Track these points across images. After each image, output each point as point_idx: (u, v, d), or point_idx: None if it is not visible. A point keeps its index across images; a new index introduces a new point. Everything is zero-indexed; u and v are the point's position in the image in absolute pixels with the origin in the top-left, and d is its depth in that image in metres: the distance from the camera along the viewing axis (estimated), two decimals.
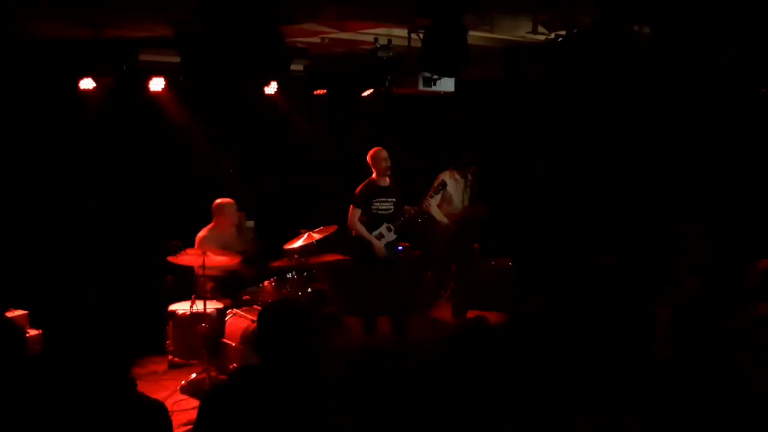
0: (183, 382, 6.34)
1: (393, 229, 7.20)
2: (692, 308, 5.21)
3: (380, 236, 7.13)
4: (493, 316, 7.97)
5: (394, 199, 7.22)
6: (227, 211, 7.02)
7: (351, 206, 7.11)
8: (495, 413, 3.35)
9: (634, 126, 7.73)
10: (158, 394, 5.98)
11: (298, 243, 7.22)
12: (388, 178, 7.18)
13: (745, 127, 7.17)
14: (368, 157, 7.17)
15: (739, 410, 4.44)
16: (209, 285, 6.74)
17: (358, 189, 7.13)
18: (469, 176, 8.70)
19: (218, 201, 7.05)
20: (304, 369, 2.92)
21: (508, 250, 8.86)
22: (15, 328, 3.38)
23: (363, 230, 7.10)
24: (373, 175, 7.17)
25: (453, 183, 8.59)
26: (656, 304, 5.66)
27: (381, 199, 7.14)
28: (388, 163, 7.11)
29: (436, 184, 8.30)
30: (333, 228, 7.38)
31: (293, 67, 7.29)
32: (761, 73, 6.56)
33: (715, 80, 6.87)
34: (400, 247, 7.72)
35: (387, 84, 7.64)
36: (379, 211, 7.13)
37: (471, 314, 8.39)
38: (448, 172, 8.62)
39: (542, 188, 8.76)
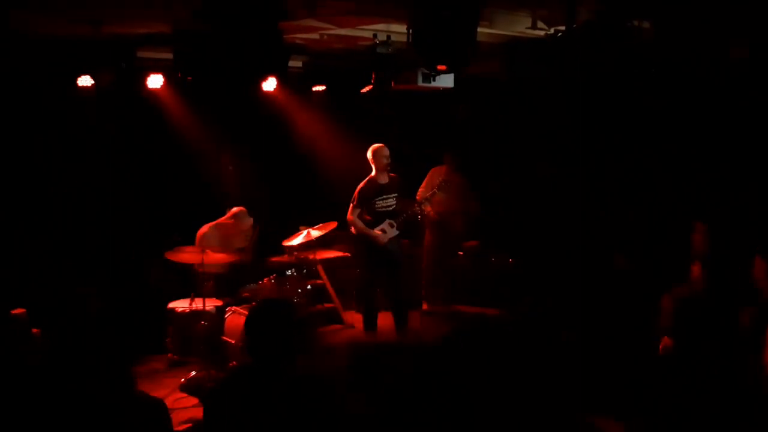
0: (183, 379, 6.34)
1: (395, 225, 7.19)
2: (697, 302, 5.21)
3: (383, 232, 7.12)
4: (492, 313, 8.05)
5: (395, 195, 7.22)
6: (247, 222, 7.06)
7: (351, 205, 7.10)
8: (498, 411, 3.34)
9: (637, 125, 7.71)
10: (158, 392, 5.97)
11: (298, 240, 7.22)
12: (387, 175, 7.17)
13: (750, 124, 7.15)
14: (369, 153, 7.15)
15: (744, 404, 4.44)
16: (208, 282, 6.73)
17: (359, 188, 7.10)
18: (444, 171, 8.69)
19: (242, 209, 7.06)
20: (295, 366, 2.92)
21: (509, 248, 8.87)
22: (19, 325, 3.39)
23: (361, 225, 7.10)
24: (373, 173, 7.15)
25: (439, 177, 8.63)
26: (661, 298, 5.65)
27: (383, 197, 7.13)
28: (389, 161, 7.11)
29: (439, 181, 8.27)
30: (332, 225, 7.37)
31: (292, 63, 7.27)
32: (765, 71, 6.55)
33: (719, 78, 6.85)
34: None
35: (386, 80, 7.62)
36: (382, 209, 7.14)
37: (471, 311, 8.42)
38: (440, 168, 8.65)
39: (542, 186, 8.75)
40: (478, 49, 6.23)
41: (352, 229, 7.29)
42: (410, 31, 6.07)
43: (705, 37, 5.89)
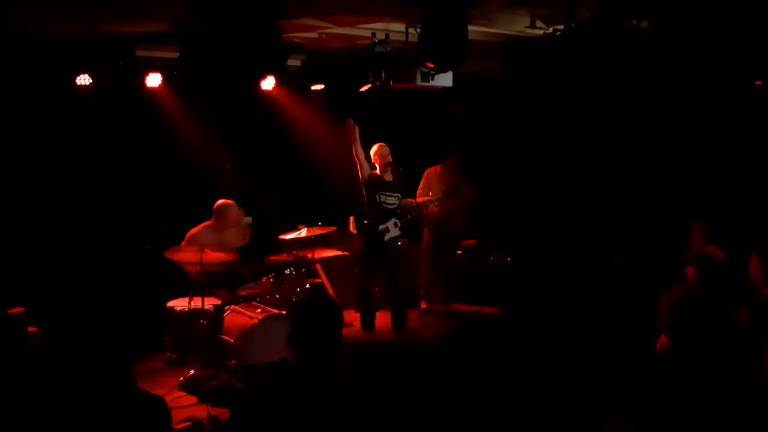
0: (181, 378, 6.32)
1: (399, 224, 7.26)
2: (695, 301, 5.20)
3: (386, 230, 7.18)
4: (491, 312, 8.05)
5: (398, 194, 7.28)
6: (230, 213, 6.89)
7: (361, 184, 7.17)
8: (497, 409, 3.34)
9: (637, 125, 7.72)
10: (157, 391, 5.89)
11: (293, 235, 7.22)
12: (391, 174, 7.23)
13: (748, 123, 7.16)
14: (371, 153, 7.23)
15: (742, 405, 4.44)
16: (207, 281, 6.71)
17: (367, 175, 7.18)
18: (439, 172, 8.62)
19: (221, 202, 6.93)
20: (335, 364, 2.93)
21: (508, 247, 8.86)
22: (17, 325, 3.38)
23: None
24: (377, 170, 7.23)
25: (435, 178, 8.58)
26: (659, 298, 5.65)
27: (387, 193, 7.21)
28: (390, 159, 7.17)
29: (437, 189, 8.31)
30: (331, 229, 7.39)
31: (291, 62, 7.27)
32: (765, 71, 6.56)
33: (718, 77, 6.86)
34: (399, 242, 7.73)
35: (384, 79, 7.62)
36: (385, 205, 7.20)
37: (470, 310, 8.41)
38: (435, 168, 8.62)
39: (542, 185, 8.75)
40: (478, 48, 6.25)
41: (352, 228, 7.31)
42: (417, 30, 6.09)
43: (705, 37, 5.89)
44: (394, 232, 7.26)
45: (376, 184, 7.19)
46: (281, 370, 3.02)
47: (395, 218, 7.25)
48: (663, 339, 5.35)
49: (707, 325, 5.04)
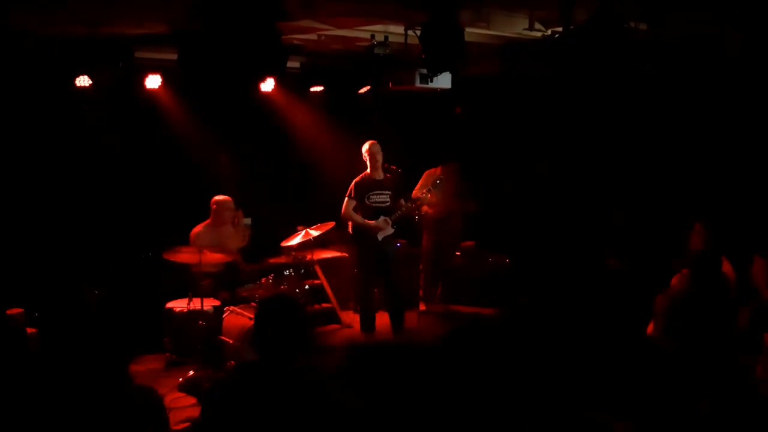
0: (181, 379, 6.33)
1: (390, 222, 7.19)
2: (694, 301, 5.22)
3: (378, 229, 7.14)
4: (489, 313, 8.06)
5: (389, 192, 7.22)
6: (225, 208, 7.03)
7: (345, 198, 7.13)
8: (496, 410, 3.35)
9: (636, 125, 7.73)
10: None
11: (296, 240, 7.23)
12: (382, 172, 7.20)
13: (749, 123, 7.17)
14: (362, 151, 7.19)
15: (741, 404, 4.45)
16: (206, 282, 6.72)
17: (354, 181, 7.15)
18: (439, 173, 8.58)
19: (216, 198, 7.07)
20: (302, 363, 2.93)
21: (506, 248, 8.87)
22: (16, 326, 3.39)
23: (358, 218, 7.12)
24: (368, 169, 7.19)
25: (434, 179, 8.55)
26: (657, 298, 5.66)
27: (377, 192, 7.15)
28: (381, 156, 7.14)
29: (433, 181, 8.26)
30: (330, 225, 7.39)
31: (290, 64, 7.28)
32: (763, 69, 6.56)
33: (716, 76, 6.87)
34: (397, 243, 7.72)
35: (383, 81, 7.63)
36: (375, 204, 7.15)
37: (469, 311, 8.42)
38: (434, 170, 8.60)
39: (540, 186, 8.76)
40: (476, 51, 6.25)
41: (349, 228, 7.30)
42: (416, 32, 6.10)
43: (704, 37, 5.90)
44: (387, 230, 7.20)
45: (366, 184, 7.16)
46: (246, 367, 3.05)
47: (384, 215, 7.19)
48: (662, 338, 5.36)
49: (706, 326, 5.06)
